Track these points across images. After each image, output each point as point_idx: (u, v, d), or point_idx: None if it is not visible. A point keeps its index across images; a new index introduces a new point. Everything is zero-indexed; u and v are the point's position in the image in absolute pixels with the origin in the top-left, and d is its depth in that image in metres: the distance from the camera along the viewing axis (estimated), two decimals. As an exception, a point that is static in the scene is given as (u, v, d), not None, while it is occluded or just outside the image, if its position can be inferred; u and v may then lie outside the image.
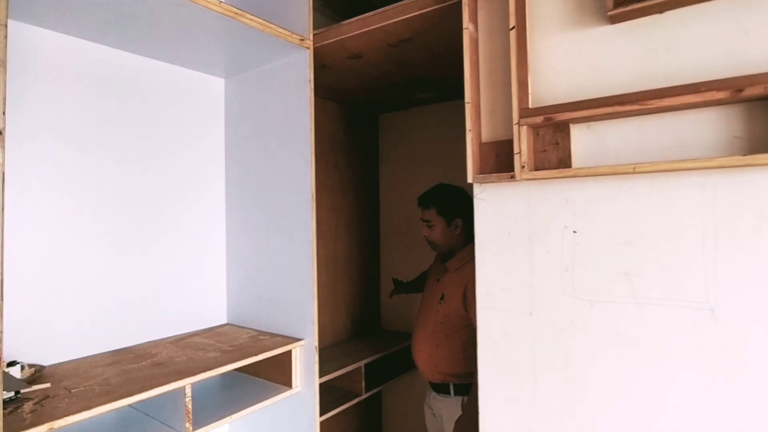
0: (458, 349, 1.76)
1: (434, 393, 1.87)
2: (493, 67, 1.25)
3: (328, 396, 2.15)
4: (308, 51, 1.67)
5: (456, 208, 1.82)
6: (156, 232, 1.74)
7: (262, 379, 1.76)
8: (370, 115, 2.78)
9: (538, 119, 1.11)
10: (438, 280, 1.88)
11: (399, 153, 2.76)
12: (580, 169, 1.05)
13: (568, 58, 1.12)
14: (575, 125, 1.11)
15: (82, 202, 1.53)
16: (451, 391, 1.79)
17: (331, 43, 1.64)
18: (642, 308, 1.03)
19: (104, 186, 1.59)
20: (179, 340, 1.70)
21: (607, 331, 1.08)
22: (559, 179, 1.13)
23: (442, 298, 1.79)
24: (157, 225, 1.74)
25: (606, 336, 1.08)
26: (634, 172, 0.99)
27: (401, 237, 2.72)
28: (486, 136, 1.27)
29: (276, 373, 1.71)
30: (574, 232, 1.12)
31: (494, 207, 1.24)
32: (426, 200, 1.88)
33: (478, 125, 1.26)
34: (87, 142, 1.55)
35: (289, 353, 1.64)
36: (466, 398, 1.75)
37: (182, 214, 1.83)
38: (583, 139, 1.11)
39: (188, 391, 1.33)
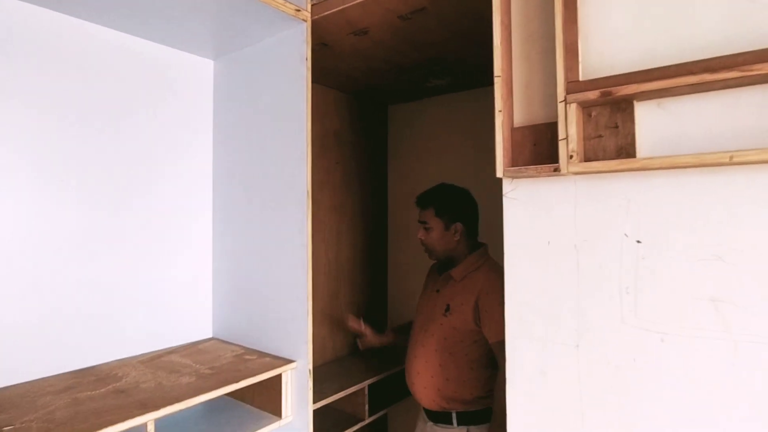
0: (465, 369, 1.54)
1: (431, 423, 1.64)
2: (529, 31, 0.99)
3: (327, 421, 1.90)
4: (305, 24, 1.43)
5: (456, 211, 1.63)
6: (131, 232, 1.51)
7: (248, 406, 1.52)
8: (378, 106, 2.54)
9: (592, 94, 0.85)
10: (438, 291, 1.66)
11: (409, 148, 2.51)
12: (653, 159, 0.79)
13: (633, 13, 0.86)
14: (641, 102, 0.85)
15: (41, 195, 1.31)
16: (454, 421, 1.57)
17: (332, 14, 1.40)
18: (737, 346, 0.76)
19: (66, 177, 1.36)
20: (153, 359, 1.47)
21: (683, 373, 0.81)
22: (618, 173, 0.87)
23: (447, 309, 1.58)
24: (132, 224, 1.51)
25: (682, 380, 0.81)
26: (730, 163, 0.73)
27: (411, 239, 2.46)
28: (519, 119, 1.01)
29: (264, 400, 1.46)
30: (638, 242, 0.86)
31: (530, 208, 0.98)
32: (424, 200, 1.68)
33: (510, 105, 1.00)
34: (47, 128, 1.33)
35: (278, 378, 1.40)
36: (471, 429, 1.55)
37: (162, 211, 1.60)
38: (651, 121, 0.85)
39: (151, 428, 1.10)
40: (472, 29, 1.49)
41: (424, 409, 1.67)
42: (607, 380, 0.89)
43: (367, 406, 1.94)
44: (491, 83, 2.07)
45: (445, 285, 1.64)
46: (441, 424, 1.60)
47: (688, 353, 0.81)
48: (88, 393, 1.18)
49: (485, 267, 1.58)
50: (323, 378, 1.93)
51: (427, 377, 1.59)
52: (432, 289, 1.70)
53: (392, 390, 2.12)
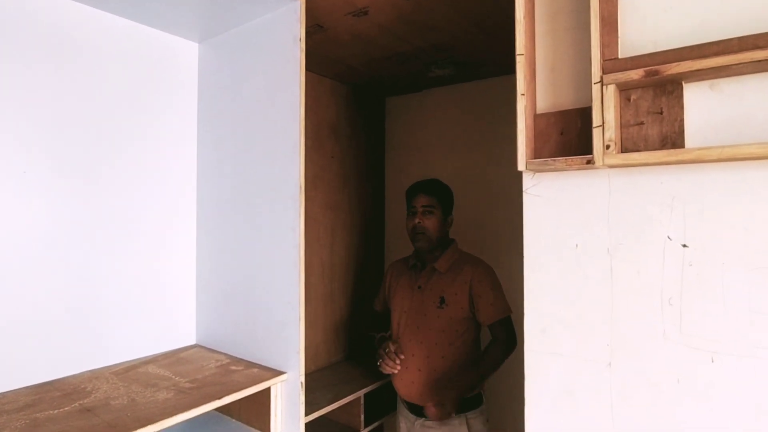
0: (463, 357, 1.56)
1: (422, 420, 1.57)
2: (556, 5, 0.87)
3: (320, 432, 1.78)
4: (299, 1, 1.30)
5: (451, 204, 1.70)
6: (104, 228, 1.37)
7: (234, 420, 1.39)
8: (376, 97, 2.40)
9: (635, 74, 0.73)
10: (420, 287, 1.63)
11: (408, 141, 2.38)
12: (710, 149, 0.67)
13: (683, -19, 0.74)
14: (690, 84, 0.73)
15: (4, 188, 1.17)
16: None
17: (328, -9, 1.27)
18: (807, 371, 0.65)
19: (34, 169, 1.22)
20: (128, 370, 1.33)
21: (738, 399, 0.70)
22: (661, 167, 0.75)
23: (442, 302, 1.57)
24: (106, 219, 1.37)
25: (737, 407, 0.70)
26: (808, 154, 0.61)
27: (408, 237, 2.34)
28: (543, 104, 0.89)
29: (251, 414, 1.34)
30: (684, 245, 0.74)
31: (556, 206, 0.86)
32: (431, 187, 1.67)
33: (533, 88, 0.88)
34: (16, 113, 1.18)
35: (267, 391, 1.27)
36: (469, 416, 1.54)
37: (141, 207, 1.46)
38: (703, 105, 0.73)
39: (119, 455, 0.96)
40: (483, 11, 1.37)
41: (414, 406, 1.60)
42: (644, 404, 0.78)
43: (362, 417, 1.82)
44: (498, 73, 2.01)
45: (429, 279, 1.63)
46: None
47: (744, 376, 0.70)
48: (50, 412, 1.04)
49: (467, 257, 1.64)
50: (316, 387, 1.80)
51: (428, 373, 1.56)
52: (410, 287, 1.67)
53: (389, 398, 2.00)
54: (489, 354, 1.53)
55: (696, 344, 0.74)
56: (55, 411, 1.05)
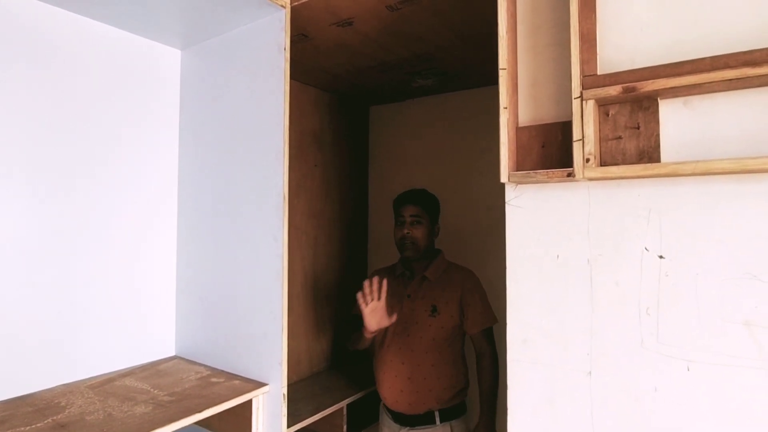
0: (451, 365, 1.59)
1: (407, 429, 1.59)
2: (538, 20, 0.89)
3: (302, 444, 1.75)
4: (284, 11, 1.30)
5: (438, 214, 1.73)
6: (81, 235, 1.33)
7: (214, 434, 1.36)
8: (360, 106, 2.41)
9: (613, 90, 0.76)
10: (409, 296, 1.64)
11: (391, 151, 2.39)
12: (684, 163, 0.69)
13: (658, 0, 0.77)
14: (665, 101, 0.76)
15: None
16: (437, 419, 1.56)
17: (313, 0, 1.27)
18: (778, 378, 0.67)
19: (6, 173, 1.18)
20: (104, 383, 1.29)
21: (713, 407, 0.72)
22: (638, 180, 0.78)
23: (434, 310, 1.59)
24: (85, 228, 1.34)
25: (711, 415, 0.72)
26: (776, 169, 0.64)
27: (392, 247, 2.34)
28: (525, 118, 0.91)
29: (232, 428, 1.31)
30: (660, 257, 0.77)
31: (537, 217, 0.88)
32: (418, 197, 1.69)
33: (515, 102, 0.90)
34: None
35: (248, 404, 1.25)
36: (453, 424, 1.57)
37: (119, 215, 1.43)
38: (677, 121, 0.76)
39: (95, 472, 0.93)
40: (467, 23, 1.39)
41: (399, 416, 1.60)
42: (624, 412, 0.79)
43: (345, 427, 1.80)
44: (481, 84, 2.05)
45: (419, 287, 1.64)
46: (421, 427, 1.57)
47: (718, 384, 0.72)
48: (21, 429, 1.00)
49: (456, 267, 1.67)
50: (298, 397, 1.78)
51: (419, 380, 1.56)
52: (398, 295, 1.67)
53: (372, 408, 1.98)
54: (485, 375, 1.53)
55: (672, 353, 0.76)
56: (27, 428, 1.01)
